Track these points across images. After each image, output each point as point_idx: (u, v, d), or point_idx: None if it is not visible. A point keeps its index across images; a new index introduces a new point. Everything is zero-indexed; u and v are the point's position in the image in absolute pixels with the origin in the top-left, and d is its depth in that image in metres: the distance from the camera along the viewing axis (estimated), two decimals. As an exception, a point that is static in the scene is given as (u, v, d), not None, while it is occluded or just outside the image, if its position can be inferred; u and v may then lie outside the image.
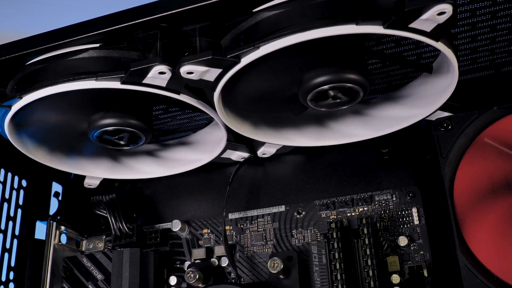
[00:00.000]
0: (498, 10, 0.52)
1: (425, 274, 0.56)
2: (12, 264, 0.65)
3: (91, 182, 0.72)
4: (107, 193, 0.69)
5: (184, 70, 0.47)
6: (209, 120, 0.67)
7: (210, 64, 0.47)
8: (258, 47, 0.45)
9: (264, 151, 0.67)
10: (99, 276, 0.64)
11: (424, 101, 0.58)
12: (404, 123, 0.60)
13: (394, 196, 0.61)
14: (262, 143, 0.66)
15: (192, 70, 0.47)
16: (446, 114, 0.59)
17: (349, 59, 0.52)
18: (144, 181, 0.73)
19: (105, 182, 0.72)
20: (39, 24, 1.02)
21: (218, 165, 0.69)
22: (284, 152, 0.68)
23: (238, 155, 0.67)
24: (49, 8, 1.05)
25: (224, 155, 0.66)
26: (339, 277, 0.55)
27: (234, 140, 0.63)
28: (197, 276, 0.60)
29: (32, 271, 0.67)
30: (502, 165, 0.55)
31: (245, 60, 0.47)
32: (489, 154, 0.56)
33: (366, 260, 0.55)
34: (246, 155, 0.67)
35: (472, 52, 0.59)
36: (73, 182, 0.75)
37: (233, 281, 0.63)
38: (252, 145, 0.67)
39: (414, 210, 0.60)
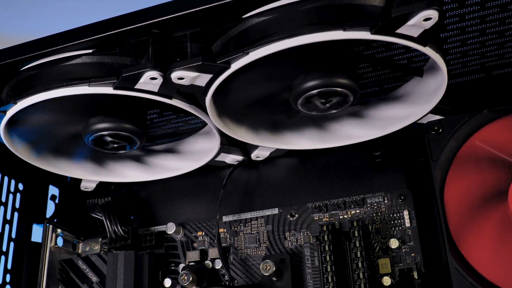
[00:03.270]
0: (486, 14, 0.53)
1: (415, 276, 0.56)
2: (9, 266, 0.66)
3: (88, 185, 0.73)
4: (103, 196, 0.70)
5: (175, 75, 0.48)
6: (203, 124, 0.68)
7: (200, 69, 0.48)
8: (247, 53, 0.46)
9: (258, 154, 0.68)
10: (94, 278, 0.65)
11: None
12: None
13: (386, 198, 0.62)
14: (256, 146, 0.66)
15: (182, 76, 0.48)
16: (437, 117, 0.59)
17: (338, 63, 0.53)
18: (140, 184, 0.74)
19: (102, 185, 0.73)
20: (39, 27, 1.03)
21: (212, 168, 0.70)
22: (278, 155, 0.68)
23: (232, 158, 0.68)
24: (50, 11, 1.06)
25: (218, 158, 0.67)
26: (330, 279, 0.55)
27: (228, 143, 0.64)
28: (191, 278, 0.61)
29: (28, 273, 0.67)
30: (492, 168, 0.55)
31: (235, 66, 0.47)
32: (479, 157, 0.56)
33: (357, 262, 0.56)
34: (240, 158, 0.68)
35: (462, 56, 0.59)
36: (70, 185, 0.75)
37: (227, 283, 0.63)
38: (245, 148, 0.67)
39: (406, 212, 0.60)
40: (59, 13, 1.05)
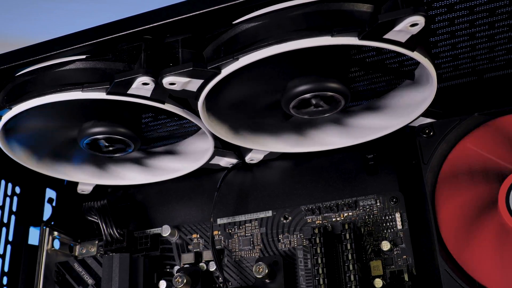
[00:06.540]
0: (475, 19, 0.53)
1: (406, 278, 0.57)
2: (6, 269, 0.67)
3: (84, 188, 0.73)
4: (99, 199, 0.70)
5: (166, 81, 0.49)
6: (198, 127, 0.69)
7: (191, 75, 0.48)
8: (237, 59, 0.47)
9: (252, 157, 0.68)
10: (90, 281, 0.65)
11: (404, 110, 0.59)
12: (381, 132, 0.61)
13: (378, 201, 0.62)
14: (250, 150, 0.67)
15: (174, 81, 0.49)
16: (429, 120, 0.60)
17: (330, 68, 0.53)
18: (136, 187, 0.75)
19: (98, 188, 0.74)
20: (41, 29, 1.03)
21: (207, 170, 0.70)
22: (272, 158, 0.69)
23: (226, 161, 0.68)
24: (51, 13, 1.06)
25: (212, 161, 0.67)
26: (321, 282, 0.56)
27: (222, 147, 0.65)
28: (185, 281, 0.61)
29: (25, 276, 0.68)
30: (483, 171, 0.56)
31: (225, 71, 0.48)
32: (470, 160, 0.57)
33: (348, 265, 0.56)
34: (234, 161, 0.68)
35: (453, 60, 0.59)
36: (67, 188, 0.76)
37: (221, 285, 0.64)
38: (240, 152, 0.68)
39: (397, 215, 0.61)
40: (61, 16, 1.05)
